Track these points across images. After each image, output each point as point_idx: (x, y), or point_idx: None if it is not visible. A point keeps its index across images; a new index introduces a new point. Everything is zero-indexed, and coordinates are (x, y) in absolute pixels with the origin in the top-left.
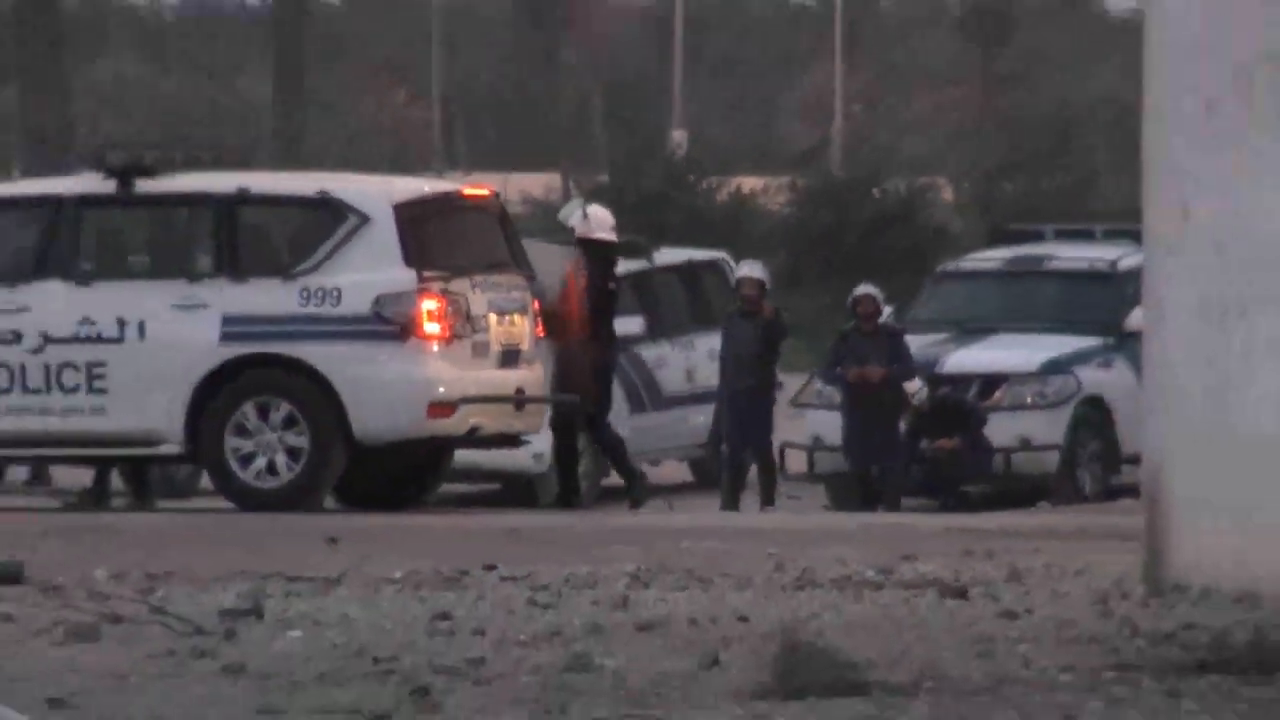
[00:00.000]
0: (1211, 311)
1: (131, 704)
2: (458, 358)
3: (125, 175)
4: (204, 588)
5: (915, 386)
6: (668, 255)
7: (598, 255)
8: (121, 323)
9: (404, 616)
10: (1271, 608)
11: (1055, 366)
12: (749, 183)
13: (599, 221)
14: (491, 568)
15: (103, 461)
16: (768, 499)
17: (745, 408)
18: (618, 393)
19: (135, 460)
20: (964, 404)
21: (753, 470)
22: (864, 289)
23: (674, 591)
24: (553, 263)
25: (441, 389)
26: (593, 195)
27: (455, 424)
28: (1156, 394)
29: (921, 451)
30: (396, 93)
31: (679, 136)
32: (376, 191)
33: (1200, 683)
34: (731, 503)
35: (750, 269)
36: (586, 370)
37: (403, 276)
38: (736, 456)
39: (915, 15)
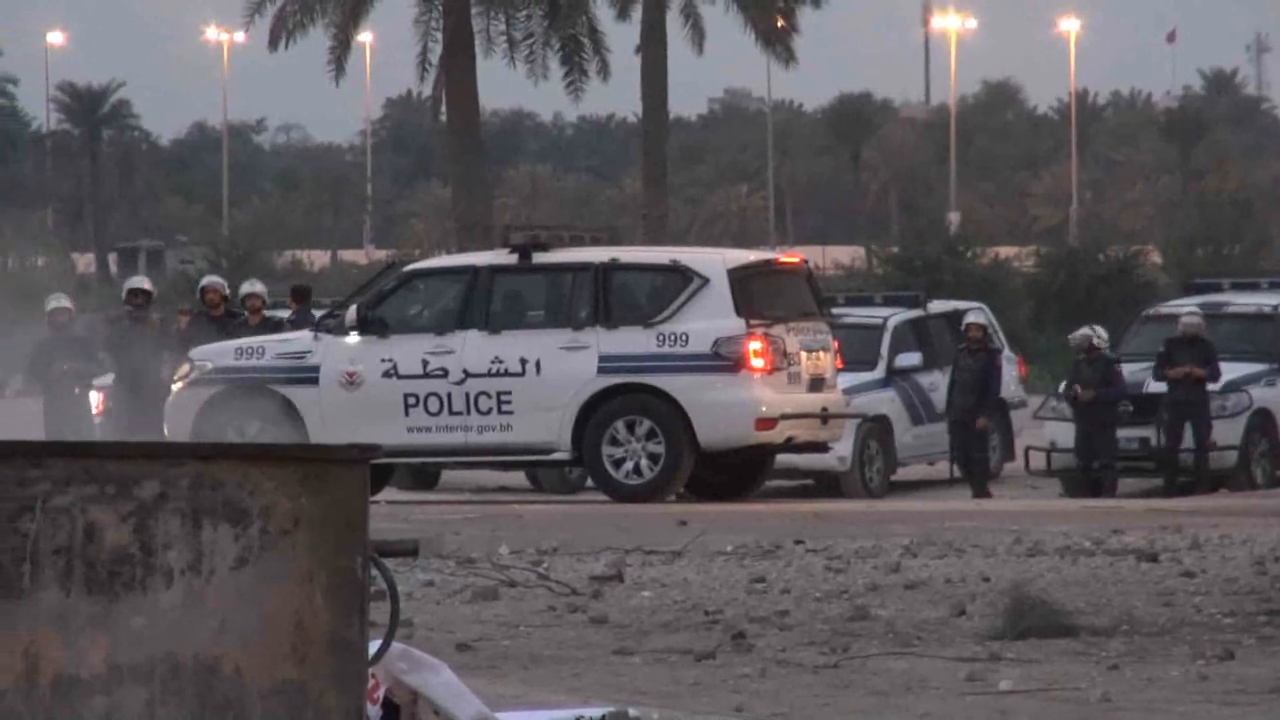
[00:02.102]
0: None
1: (520, 647)
2: (777, 384)
3: (525, 250)
4: (580, 559)
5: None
6: (938, 305)
7: None
8: (523, 361)
9: (729, 579)
10: None
11: (1232, 386)
12: (1005, 251)
13: None
14: (799, 542)
15: (510, 467)
16: (981, 491)
17: (966, 422)
18: (902, 407)
19: (534, 465)
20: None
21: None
22: (1083, 331)
23: (935, 559)
24: None
25: (765, 408)
26: (886, 262)
27: (776, 434)
28: None
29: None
30: (740, 186)
31: (953, 217)
32: (714, 260)
33: None
34: (982, 491)
35: (975, 315)
36: None
37: (734, 324)
38: (965, 457)
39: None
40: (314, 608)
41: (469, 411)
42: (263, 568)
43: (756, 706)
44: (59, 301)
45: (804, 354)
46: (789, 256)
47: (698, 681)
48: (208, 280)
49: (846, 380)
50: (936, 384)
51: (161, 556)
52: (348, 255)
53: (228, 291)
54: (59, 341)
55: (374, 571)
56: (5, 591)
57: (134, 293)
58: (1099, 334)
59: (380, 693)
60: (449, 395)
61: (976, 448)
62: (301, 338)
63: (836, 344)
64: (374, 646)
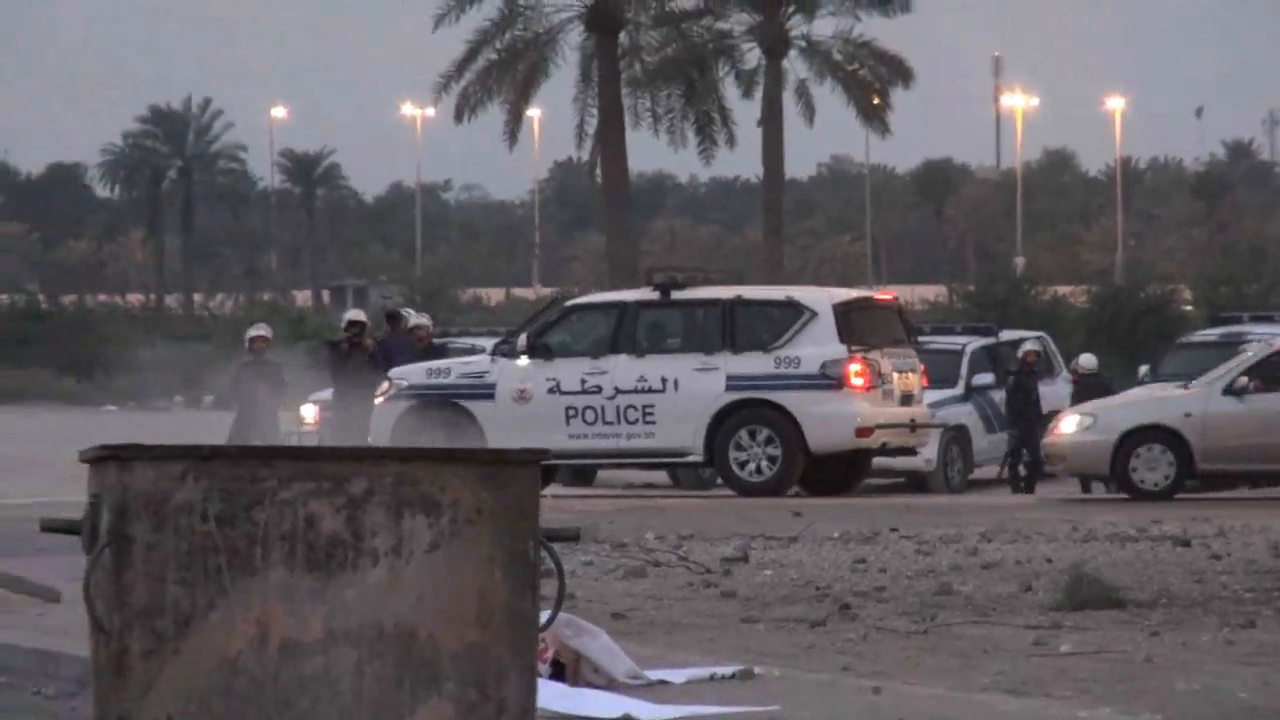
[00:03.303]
0: None
1: (663, 616)
2: (873, 400)
3: (666, 289)
4: (713, 543)
5: None
6: (1007, 334)
7: None
8: (664, 380)
9: (836, 561)
10: None
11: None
12: (1062, 289)
13: None
14: (894, 530)
15: (653, 467)
16: (1030, 488)
17: (1022, 433)
18: (978, 419)
19: (673, 466)
20: None
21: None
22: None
23: (1007, 544)
24: None
25: (863, 419)
26: (964, 299)
27: (872, 441)
28: None
29: None
30: (843, 235)
31: (1019, 261)
32: (822, 296)
33: None
34: (1029, 488)
35: (1032, 344)
36: None
37: (839, 349)
38: (1018, 460)
39: (1166, 182)
40: (494, 583)
41: (619, 421)
42: (452, 551)
43: (860, 666)
44: (258, 330)
45: (896, 374)
46: (883, 294)
47: (811, 645)
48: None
49: (931, 396)
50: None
51: (369, 541)
52: (519, 292)
53: (404, 318)
54: (255, 364)
55: (543, 553)
56: (241, 570)
57: (351, 323)
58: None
59: (549, 654)
60: (603, 408)
61: (1028, 452)
62: (480, 360)
63: (923, 366)
64: (544, 616)
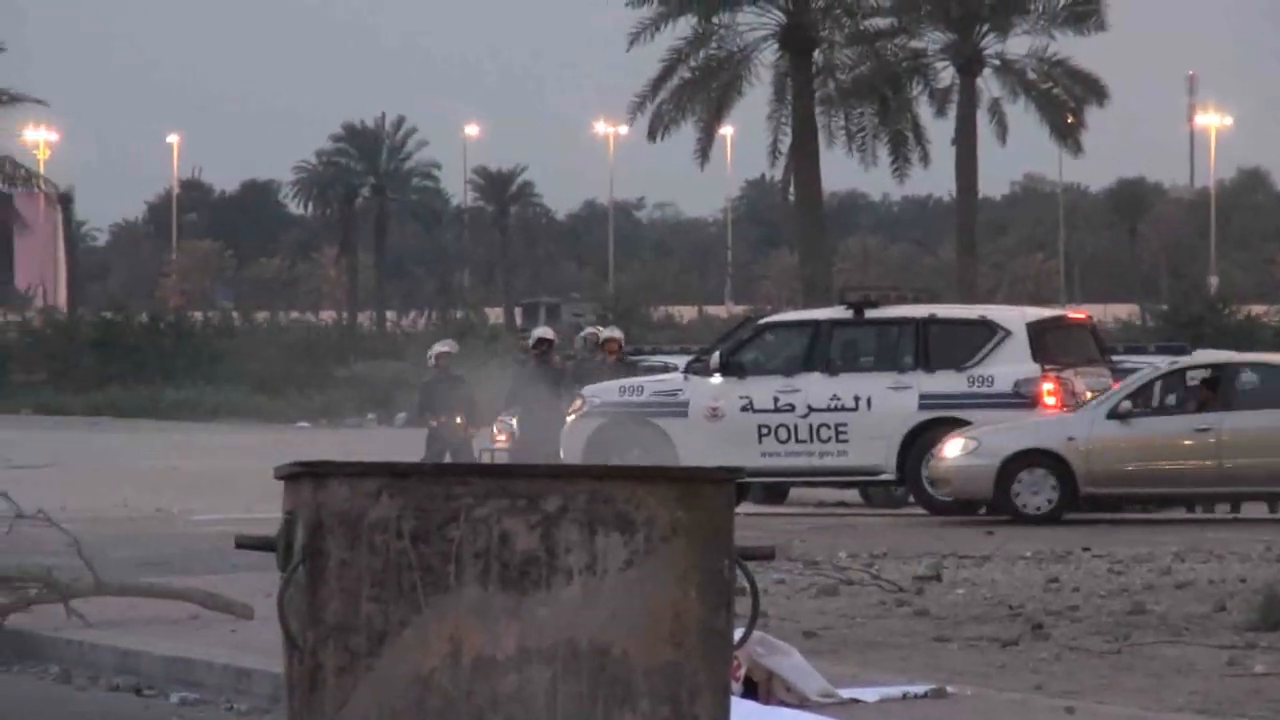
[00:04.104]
0: None
1: (856, 635)
2: None
3: (859, 307)
4: (905, 562)
5: None
6: (1200, 354)
7: None
8: (857, 398)
9: (1028, 580)
10: None
11: None
12: (1255, 308)
13: None
14: (1086, 549)
15: (845, 485)
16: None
17: None
18: None
19: (865, 484)
20: None
21: None
22: None
23: (1200, 564)
24: None
25: None
26: (1157, 318)
27: None
28: None
29: None
30: (1036, 254)
31: (1213, 280)
32: (1015, 315)
33: None
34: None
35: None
36: None
37: (1032, 368)
38: None
39: None
40: (689, 601)
41: (812, 440)
42: (647, 568)
43: (1053, 685)
44: (442, 346)
45: (1089, 393)
46: (1076, 313)
47: (1004, 664)
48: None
49: None
50: None
51: (563, 559)
52: (711, 310)
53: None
54: (440, 380)
55: (737, 571)
56: (435, 586)
57: (540, 340)
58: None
59: (742, 672)
60: (796, 426)
61: None
62: (673, 379)
63: (1115, 384)
64: (737, 634)
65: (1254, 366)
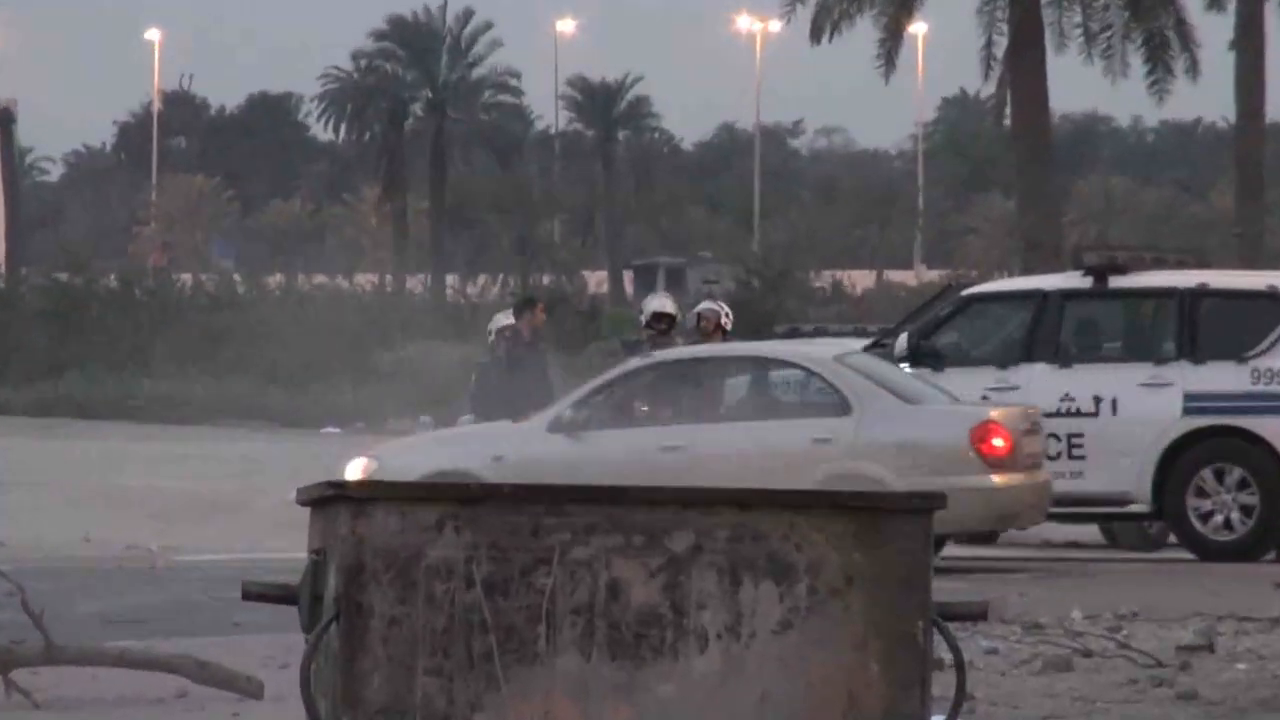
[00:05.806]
0: None
1: None
2: None
3: (1101, 273)
4: (1164, 625)
5: None
6: None
7: None
8: (1097, 399)
9: None
10: None
11: None
12: None
13: None
14: None
15: (1080, 519)
16: None
17: None
18: None
19: (1108, 517)
20: None
21: None
22: None
23: None
24: None
25: None
26: None
27: None
28: None
29: None
30: None
31: None
32: None
33: None
34: None
35: None
36: None
37: None
38: None
39: None
40: (868, 677)
41: None
42: (810, 631)
43: None
44: (506, 319)
45: None
46: None
47: None
48: (704, 307)
49: None
50: None
51: (694, 617)
52: (895, 276)
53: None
54: (510, 361)
55: (936, 637)
56: (519, 655)
57: (657, 316)
58: None
59: None
60: None
61: None
62: None
63: None
64: None
65: None
